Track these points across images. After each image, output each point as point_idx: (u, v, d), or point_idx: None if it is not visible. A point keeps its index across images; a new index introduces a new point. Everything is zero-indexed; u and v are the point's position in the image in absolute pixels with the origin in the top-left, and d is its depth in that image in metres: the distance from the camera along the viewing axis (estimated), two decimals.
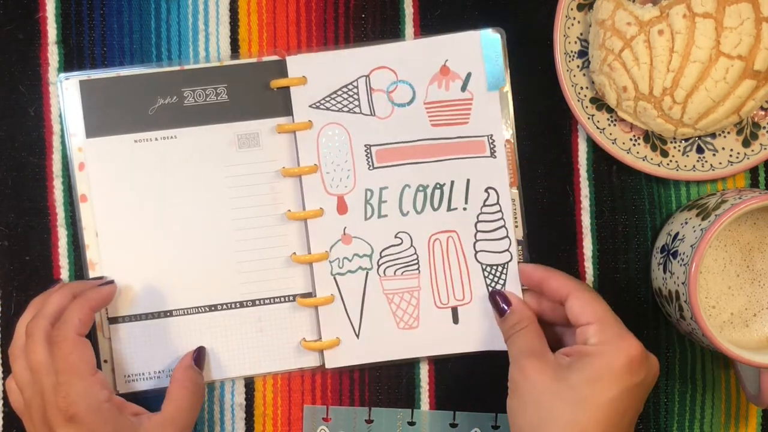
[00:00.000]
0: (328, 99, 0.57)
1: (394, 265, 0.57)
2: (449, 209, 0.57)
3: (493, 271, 0.57)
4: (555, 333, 0.56)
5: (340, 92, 0.57)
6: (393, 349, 0.58)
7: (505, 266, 0.57)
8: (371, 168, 0.57)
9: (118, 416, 0.50)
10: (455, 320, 0.58)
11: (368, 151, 0.57)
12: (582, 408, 0.47)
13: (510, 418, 0.51)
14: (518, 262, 0.57)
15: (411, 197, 0.57)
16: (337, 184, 0.57)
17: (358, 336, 0.58)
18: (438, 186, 0.57)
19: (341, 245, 0.57)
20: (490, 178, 0.57)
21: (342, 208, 0.57)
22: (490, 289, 0.57)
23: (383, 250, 0.58)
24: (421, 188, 0.57)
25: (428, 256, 0.58)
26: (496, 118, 0.57)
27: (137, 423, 0.51)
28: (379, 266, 0.58)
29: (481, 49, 0.57)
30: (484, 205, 0.57)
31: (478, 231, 0.57)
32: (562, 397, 0.48)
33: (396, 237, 0.58)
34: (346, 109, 0.57)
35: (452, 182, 0.57)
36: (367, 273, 0.57)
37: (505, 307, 0.55)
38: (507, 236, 0.57)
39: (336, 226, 0.57)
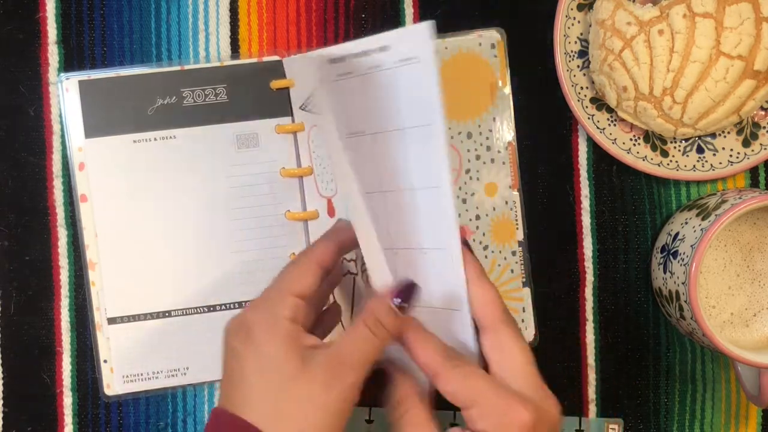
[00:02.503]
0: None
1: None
2: None
3: None
4: None
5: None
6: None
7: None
8: None
9: (289, 341, 0.44)
10: None
11: None
12: None
13: None
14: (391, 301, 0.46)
15: None
16: (326, 186, 0.57)
17: None
18: None
19: None
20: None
21: (331, 211, 0.57)
22: None
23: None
24: None
25: None
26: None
27: (309, 355, 0.44)
28: (362, 272, 0.57)
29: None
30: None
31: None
32: None
33: None
34: None
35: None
36: (354, 278, 0.57)
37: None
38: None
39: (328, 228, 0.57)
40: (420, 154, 0.46)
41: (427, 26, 0.43)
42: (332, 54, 0.49)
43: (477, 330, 0.47)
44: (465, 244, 0.47)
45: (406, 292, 0.46)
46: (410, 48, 0.45)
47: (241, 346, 0.45)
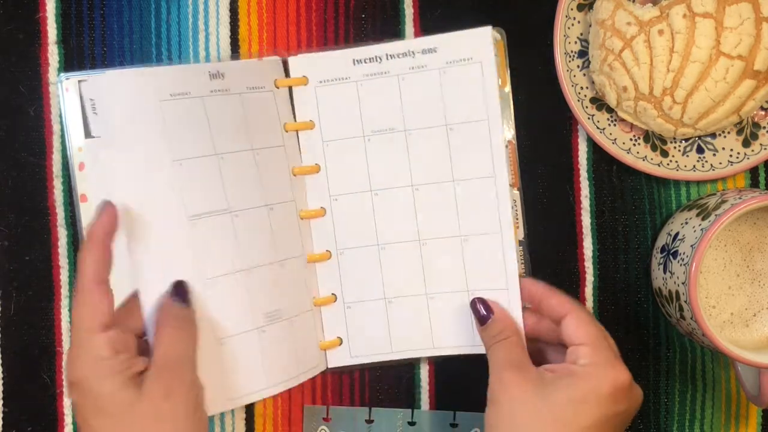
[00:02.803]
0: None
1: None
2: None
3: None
4: (543, 352, 0.55)
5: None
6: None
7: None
8: None
9: (118, 375, 0.46)
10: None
11: None
12: (561, 429, 0.46)
13: (486, 430, 0.49)
14: (520, 277, 0.55)
15: None
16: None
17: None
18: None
19: None
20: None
21: None
22: (472, 297, 0.55)
23: None
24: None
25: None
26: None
27: (142, 379, 0.47)
28: None
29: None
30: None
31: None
32: (541, 415, 0.47)
33: None
34: None
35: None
36: None
37: (486, 314, 0.53)
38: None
39: None
40: (474, 147, 0.55)
41: (486, 30, 0.54)
42: (357, 55, 0.56)
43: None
44: None
45: (180, 290, 0.50)
46: (468, 50, 0.54)
47: (78, 399, 0.46)
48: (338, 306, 0.57)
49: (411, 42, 0.56)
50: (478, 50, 0.54)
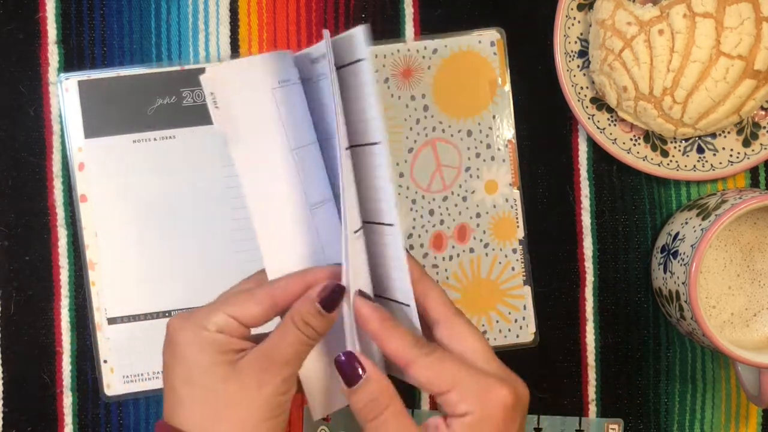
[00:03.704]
0: None
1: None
2: None
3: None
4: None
5: None
6: None
7: None
8: None
9: (217, 348, 0.44)
10: None
11: None
12: None
13: None
14: (354, 297, 0.45)
15: None
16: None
17: None
18: None
19: None
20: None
21: None
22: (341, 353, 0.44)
23: None
24: None
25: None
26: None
27: (238, 358, 0.44)
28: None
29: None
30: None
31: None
32: None
33: None
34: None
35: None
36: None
37: (359, 373, 0.43)
38: None
39: None
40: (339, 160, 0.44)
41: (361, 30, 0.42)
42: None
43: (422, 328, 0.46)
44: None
45: (331, 296, 0.44)
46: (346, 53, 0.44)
47: (169, 359, 0.45)
48: None
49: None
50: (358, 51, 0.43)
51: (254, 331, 0.45)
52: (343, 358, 0.44)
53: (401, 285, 0.45)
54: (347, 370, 0.44)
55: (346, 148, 0.43)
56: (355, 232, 0.44)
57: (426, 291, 0.46)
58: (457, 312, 0.46)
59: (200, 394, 0.44)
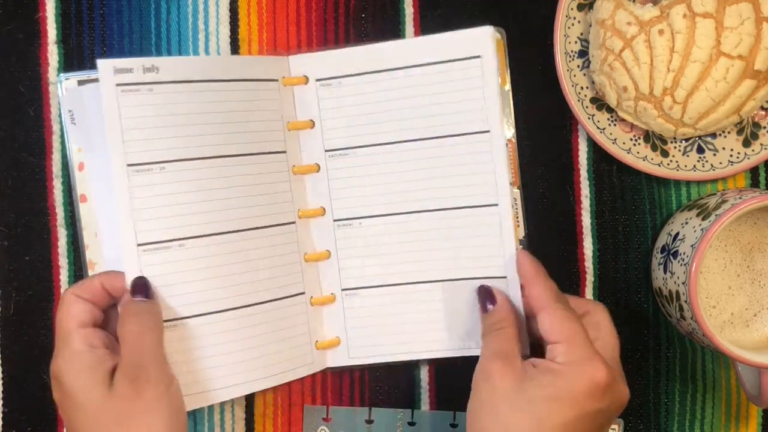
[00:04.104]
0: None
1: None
2: None
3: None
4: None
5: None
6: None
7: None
8: None
9: (91, 369, 0.47)
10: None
11: None
12: (536, 425, 0.46)
13: (467, 418, 0.49)
14: (517, 249, 0.54)
15: None
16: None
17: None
18: None
19: None
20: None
21: None
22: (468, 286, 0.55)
23: None
24: None
25: None
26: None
27: (113, 375, 0.48)
28: None
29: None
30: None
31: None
32: (518, 409, 0.47)
33: None
34: None
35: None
36: None
37: (489, 305, 0.53)
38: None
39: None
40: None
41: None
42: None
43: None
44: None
45: (140, 285, 0.51)
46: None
47: (58, 395, 0.48)
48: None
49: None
50: (479, 48, 0.53)
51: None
52: (485, 290, 0.53)
53: (499, 261, 0.54)
54: (485, 298, 0.53)
55: (129, 165, 0.50)
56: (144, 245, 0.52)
57: (532, 278, 0.51)
58: (560, 300, 0.50)
59: (89, 417, 0.47)
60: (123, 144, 0.50)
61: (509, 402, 0.47)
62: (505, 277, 0.54)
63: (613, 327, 0.51)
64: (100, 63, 0.50)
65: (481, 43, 0.53)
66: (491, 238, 0.54)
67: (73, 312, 0.49)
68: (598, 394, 0.47)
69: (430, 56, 0.54)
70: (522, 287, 0.53)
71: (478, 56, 0.53)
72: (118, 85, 0.50)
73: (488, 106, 0.53)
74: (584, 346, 0.48)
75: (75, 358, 0.48)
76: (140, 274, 0.51)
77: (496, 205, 0.54)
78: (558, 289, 0.51)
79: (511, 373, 0.48)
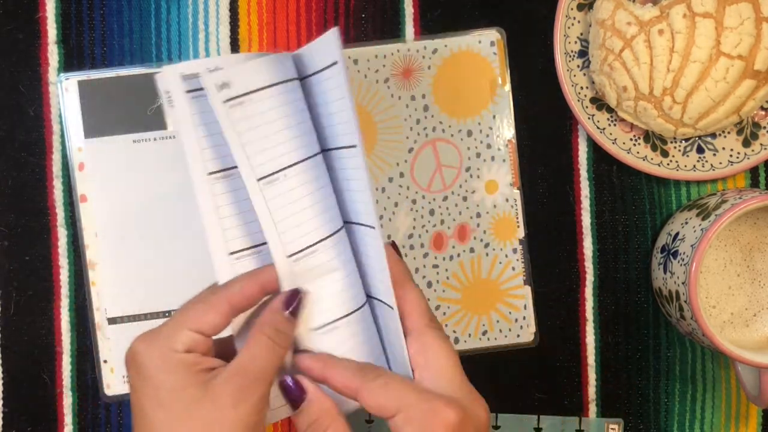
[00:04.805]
0: None
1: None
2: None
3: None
4: None
5: None
6: None
7: None
8: None
9: (185, 370, 0.43)
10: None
11: None
12: None
13: None
14: (293, 354, 0.46)
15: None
16: None
17: None
18: None
19: None
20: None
21: None
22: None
23: None
24: None
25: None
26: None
27: (210, 377, 0.43)
28: None
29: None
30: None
31: None
32: None
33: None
34: None
35: None
36: None
37: (298, 395, 0.45)
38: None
39: None
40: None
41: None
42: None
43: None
44: (393, 246, 0.46)
45: (294, 301, 0.45)
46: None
47: (137, 383, 0.43)
48: None
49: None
50: (334, 54, 0.43)
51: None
52: (288, 381, 0.44)
53: (384, 288, 0.44)
54: (291, 393, 0.44)
55: (259, 179, 0.43)
56: (293, 255, 0.44)
57: (405, 295, 0.45)
58: (431, 322, 0.45)
59: (173, 418, 0.42)
60: (247, 158, 0.44)
61: None
62: (392, 308, 0.45)
63: (444, 342, 0.44)
64: (205, 80, 0.42)
65: (334, 48, 0.42)
66: (374, 260, 0.46)
67: (204, 316, 0.44)
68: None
69: (312, 67, 0.45)
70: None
71: (336, 62, 0.42)
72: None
73: (349, 119, 0.43)
74: (418, 400, 0.42)
75: (169, 356, 0.43)
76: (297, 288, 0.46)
77: (372, 227, 0.44)
78: (349, 360, 0.45)
79: None
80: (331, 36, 0.41)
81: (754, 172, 0.60)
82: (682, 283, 0.52)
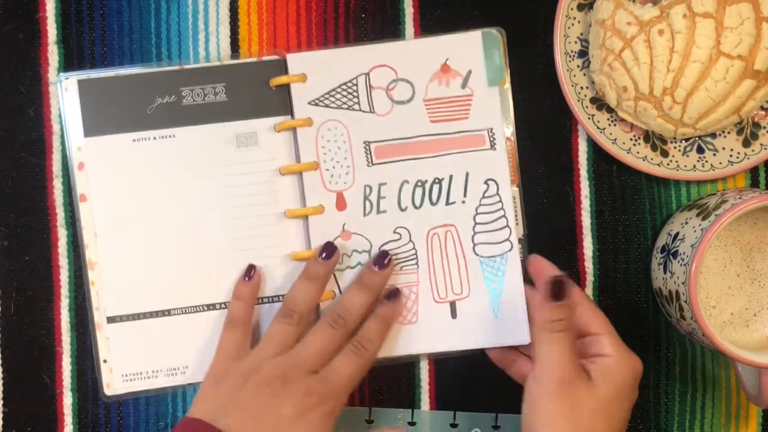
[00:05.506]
0: (327, 96, 0.57)
1: (394, 259, 0.57)
2: (448, 203, 0.57)
3: (492, 263, 0.57)
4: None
5: (339, 89, 0.57)
6: (393, 345, 0.58)
7: (504, 256, 0.57)
8: (370, 164, 0.57)
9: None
10: (453, 315, 0.57)
11: (367, 147, 0.57)
12: (608, 427, 0.49)
13: (526, 419, 0.50)
14: (529, 254, 0.57)
15: (410, 193, 0.58)
16: (336, 180, 0.57)
17: None
18: (437, 181, 0.57)
19: (340, 241, 0.57)
20: (489, 170, 0.57)
21: (341, 204, 0.57)
22: (554, 274, 0.52)
23: (382, 246, 0.57)
24: (419, 183, 0.57)
25: (427, 251, 0.58)
26: (495, 113, 0.57)
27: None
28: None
29: (482, 47, 0.57)
30: (484, 197, 0.57)
31: (476, 223, 0.57)
32: (597, 416, 0.49)
33: (394, 232, 0.58)
34: (345, 106, 0.57)
35: (451, 176, 0.57)
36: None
37: (562, 292, 0.50)
38: (507, 226, 0.57)
39: (335, 222, 0.57)
40: None
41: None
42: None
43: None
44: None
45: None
46: None
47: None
48: None
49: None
50: None
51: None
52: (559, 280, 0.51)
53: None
54: (556, 285, 0.51)
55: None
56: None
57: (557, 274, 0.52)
58: (586, 295, 0.55)
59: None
60: None
61: (587, 410, 0.49)
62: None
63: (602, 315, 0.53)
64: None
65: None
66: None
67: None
68: (635, 383, 0.51)
69: None
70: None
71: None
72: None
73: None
74: (618, 337, 0.51)
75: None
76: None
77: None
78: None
79: (584, 384, 0.49)
80: None
81: (754, 172, 0.60)
82: (682, 283, 0.52)
